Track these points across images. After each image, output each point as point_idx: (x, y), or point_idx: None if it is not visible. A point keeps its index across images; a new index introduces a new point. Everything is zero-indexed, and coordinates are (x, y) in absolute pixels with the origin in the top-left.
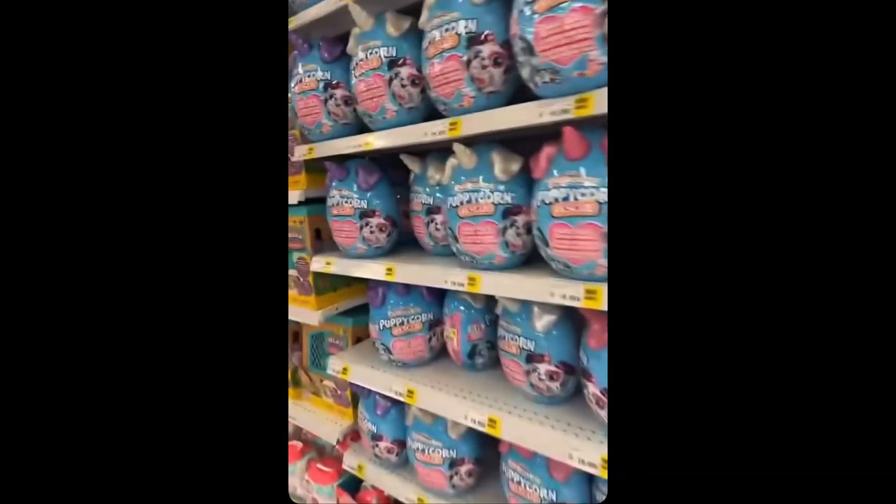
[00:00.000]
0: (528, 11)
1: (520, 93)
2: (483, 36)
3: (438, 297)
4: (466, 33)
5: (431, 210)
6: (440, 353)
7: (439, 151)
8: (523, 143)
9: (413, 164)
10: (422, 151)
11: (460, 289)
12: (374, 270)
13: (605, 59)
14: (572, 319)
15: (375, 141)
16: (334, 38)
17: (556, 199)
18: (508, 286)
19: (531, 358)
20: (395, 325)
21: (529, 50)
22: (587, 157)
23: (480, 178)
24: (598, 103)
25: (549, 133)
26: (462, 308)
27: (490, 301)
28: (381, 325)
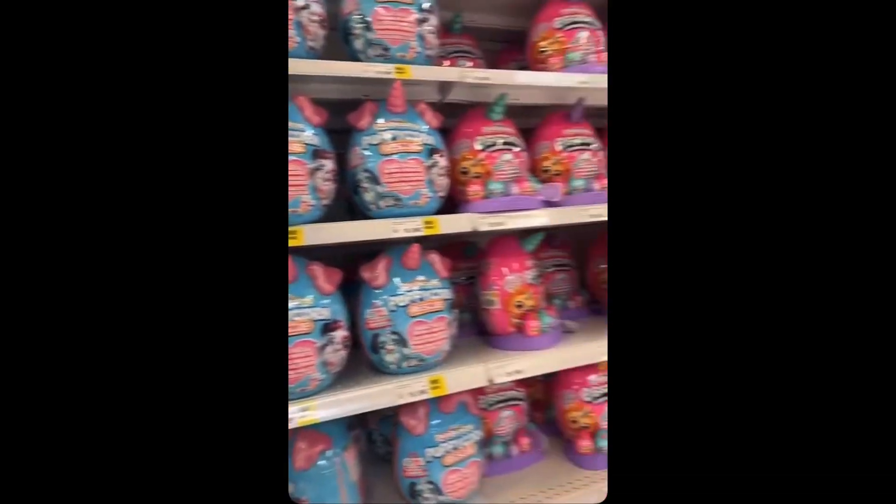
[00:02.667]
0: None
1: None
2: None
3: None
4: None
5: None
6: None
7: None
8: None
9: None
10: None
11: None
12: None
13: (431, 194)
14: None
15: None
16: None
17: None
18: None
19: None
20: None
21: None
22: (421, 267)
23: None
24: (443, 225)
25: None
26: None
27: None
28: None
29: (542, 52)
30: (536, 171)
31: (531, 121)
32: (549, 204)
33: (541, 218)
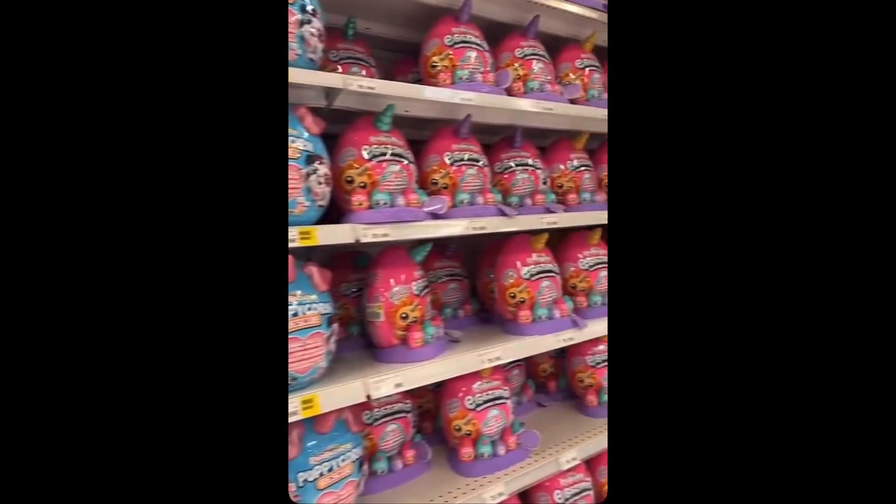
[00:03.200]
0: None
1: None
2: None
3: None
4: None
5: None
6: None
7: None
8: None
9: None
10: None
11: None
12: None
13: (308, 202)
14: None
15: None
16: None
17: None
18: None
19: None
20: None
21: None
22: (297, 280)
23: None
24: (322, 236)
25: None
26: None
27: None
28: None
29: (434, 66)
30: (425, 183)
31: (424, 133)
32: (434, 216)
33: (427, 229)
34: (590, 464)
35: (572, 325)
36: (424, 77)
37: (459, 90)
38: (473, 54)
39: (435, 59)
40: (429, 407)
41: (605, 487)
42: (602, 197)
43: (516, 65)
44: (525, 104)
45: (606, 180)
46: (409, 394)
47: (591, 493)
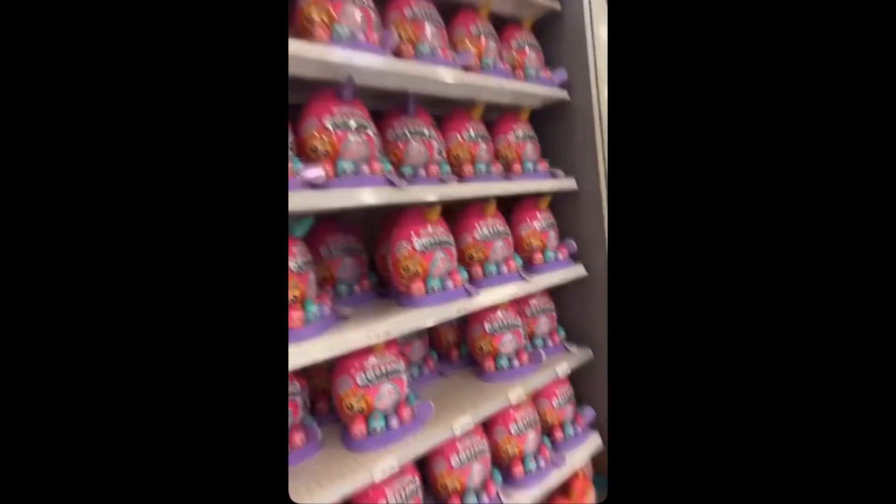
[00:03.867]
0: None
1: None
2: None
3: None
4: None
5: None
6: None
7: None
8: None
9: None
10: None
11: None
12: None
13: None
14: None
15: None
16: None
17: None
18: None
19: None
20: None
21: None
22: None
23: None
24: None
25: None
26: None
27: None
28: None
29: (309, 19)
30: (304, 150)
31: (306, 96)
32: (313, 187)
33: (301, 200)
34: (486, 426)
35: (466, 294)
36: (299, 32)
37: (337, 49)
38: (356, 11)
39: (311, 9)
40: (324, 386)
41: (502, 449)
42: (498, 168)
43: (407, 26)
44: (413, 69)
45: (504, 151)
46: (299, 375)
47: (487, 453)
